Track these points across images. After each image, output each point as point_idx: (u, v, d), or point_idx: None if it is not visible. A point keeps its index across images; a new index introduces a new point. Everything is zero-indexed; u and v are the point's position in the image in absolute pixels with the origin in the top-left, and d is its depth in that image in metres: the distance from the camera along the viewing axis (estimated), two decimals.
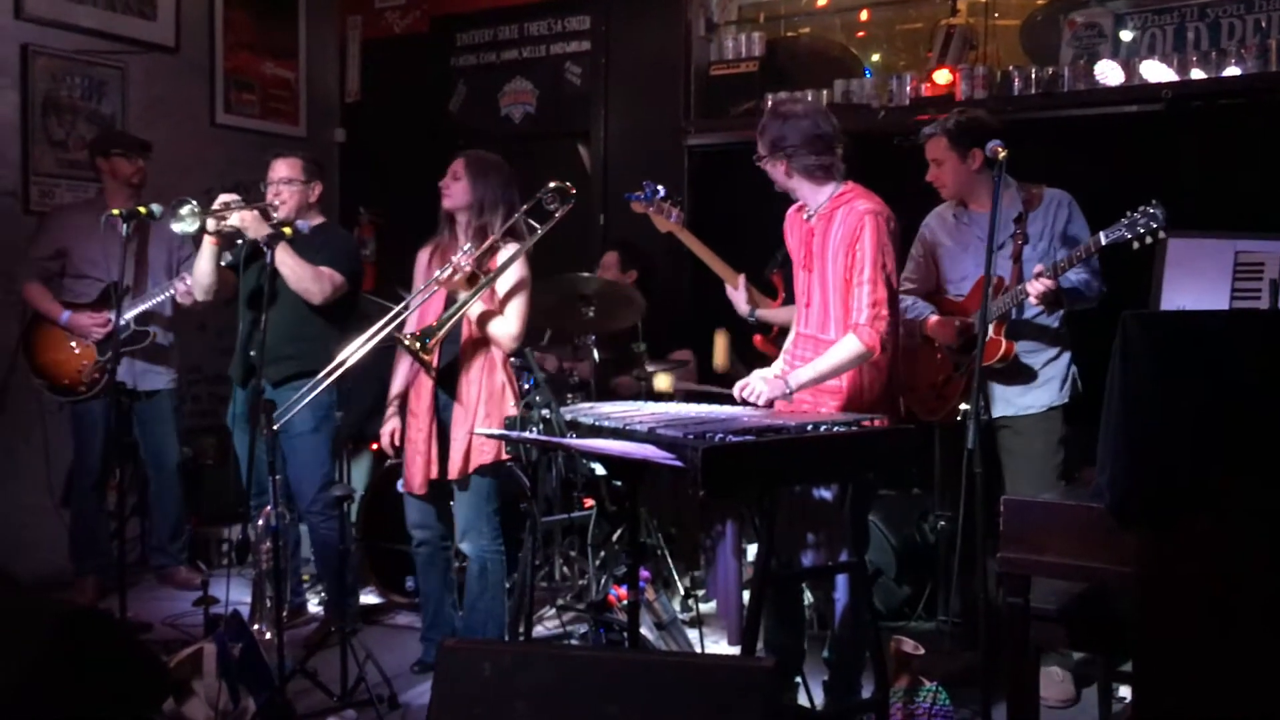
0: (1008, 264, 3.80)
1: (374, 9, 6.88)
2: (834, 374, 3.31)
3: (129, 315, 4.82)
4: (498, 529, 3.98)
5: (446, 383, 3.93)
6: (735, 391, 3.33)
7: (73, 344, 4.90)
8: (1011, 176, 3.80)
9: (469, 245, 3.87)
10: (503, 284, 3.89)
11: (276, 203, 4.31)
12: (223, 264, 4.33)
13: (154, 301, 4.89)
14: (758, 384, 3.28)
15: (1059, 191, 3.89)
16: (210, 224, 4.09)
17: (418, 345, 3.63)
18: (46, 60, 5.43)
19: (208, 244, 4.20)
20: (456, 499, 3.95)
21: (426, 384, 3.95)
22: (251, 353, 4.19)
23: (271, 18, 6.58)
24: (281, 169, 4.37)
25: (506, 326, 3.89)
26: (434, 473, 3.93)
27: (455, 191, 3.95)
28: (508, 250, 3.89)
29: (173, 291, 4.85)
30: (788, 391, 3.27)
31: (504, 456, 3.86)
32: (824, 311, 3.40)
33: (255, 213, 4.13)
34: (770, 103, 3.55)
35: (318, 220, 4.43)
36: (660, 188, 4.56)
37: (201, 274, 4.32)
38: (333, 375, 3.76)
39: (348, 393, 4.67)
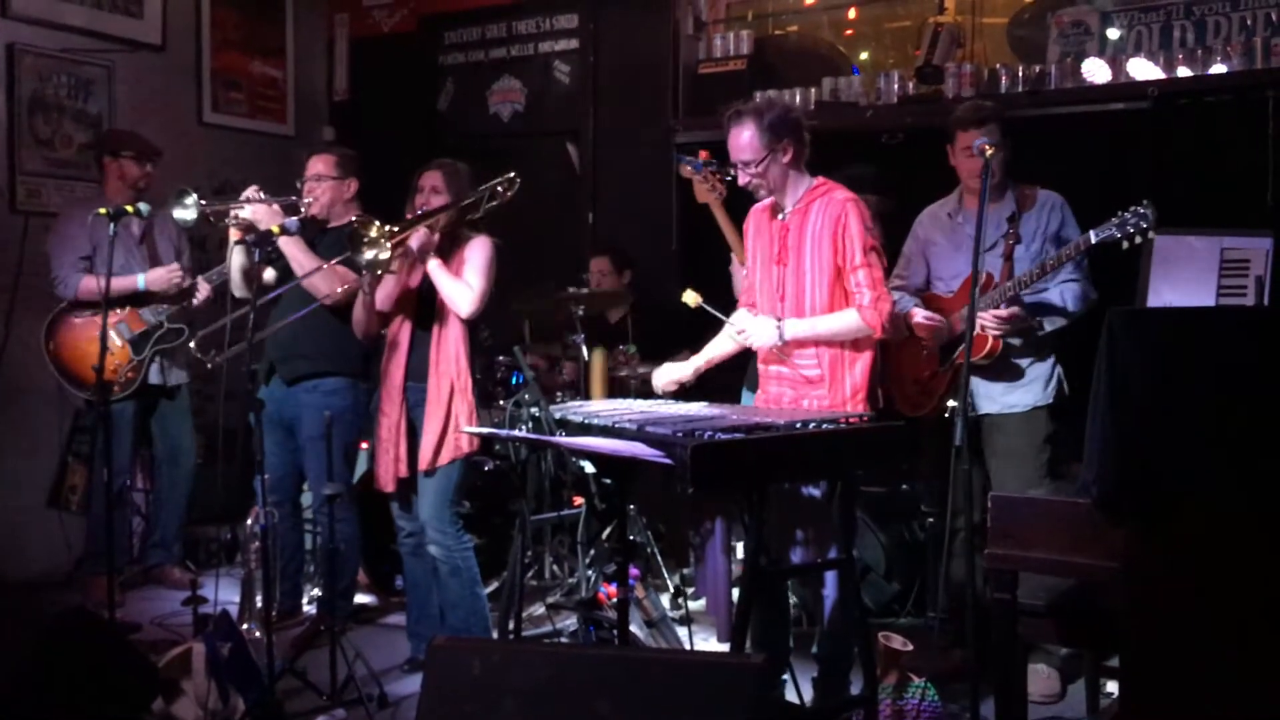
0: (999, 262, 3.81)
1: (361, 7, 6.87)
2: (829, 337, 3.37)
3: (162, 315, 4.88)
4: (460, 525, 3.99)
5: (416, 381, 3.94)
6: (730, 324, 3.45)
7: (114, 339, 4.81)
8: (1010, 177, 3.85)
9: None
10: (467, 262, 3.89)
11: (309, 199, 4.28)
12: (255, 259, 4.28)
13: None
14: (754, 332, 3.42)
15: (1052, 194, 3.91)
16: (229, 216, 4.06)
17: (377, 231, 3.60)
18: (33, 59, 5.41)
19: (234, 239, 4.17)
20: (420, 491, 3.95)
21: (397, 383, 3.95)
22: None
23: (259, 16, 6.55)
24: (315, 165, 4.35)
25: (467, 287, 3.83)
26: (403, 471, 3.94)
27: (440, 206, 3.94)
28: (476, 243, 3.92)
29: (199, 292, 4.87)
30: (780, 341, 3.37)
31: (467, 450, 3.88)
32: (799, 303, 3.42)
33: (270, 207, 4.08)
34: (751, 102, 3.50)
35: (353, 216, 4.40)
36: (714, 160, 4.48)
37: (235, 270, 4.30)
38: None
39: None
